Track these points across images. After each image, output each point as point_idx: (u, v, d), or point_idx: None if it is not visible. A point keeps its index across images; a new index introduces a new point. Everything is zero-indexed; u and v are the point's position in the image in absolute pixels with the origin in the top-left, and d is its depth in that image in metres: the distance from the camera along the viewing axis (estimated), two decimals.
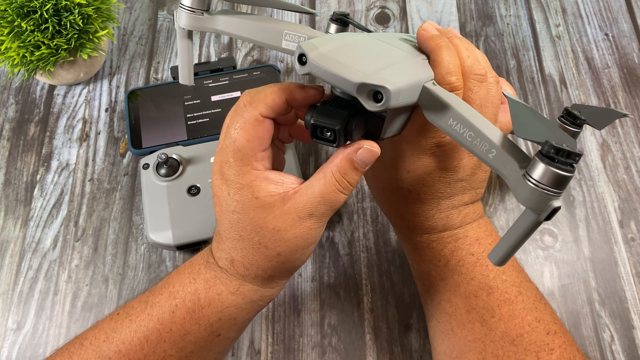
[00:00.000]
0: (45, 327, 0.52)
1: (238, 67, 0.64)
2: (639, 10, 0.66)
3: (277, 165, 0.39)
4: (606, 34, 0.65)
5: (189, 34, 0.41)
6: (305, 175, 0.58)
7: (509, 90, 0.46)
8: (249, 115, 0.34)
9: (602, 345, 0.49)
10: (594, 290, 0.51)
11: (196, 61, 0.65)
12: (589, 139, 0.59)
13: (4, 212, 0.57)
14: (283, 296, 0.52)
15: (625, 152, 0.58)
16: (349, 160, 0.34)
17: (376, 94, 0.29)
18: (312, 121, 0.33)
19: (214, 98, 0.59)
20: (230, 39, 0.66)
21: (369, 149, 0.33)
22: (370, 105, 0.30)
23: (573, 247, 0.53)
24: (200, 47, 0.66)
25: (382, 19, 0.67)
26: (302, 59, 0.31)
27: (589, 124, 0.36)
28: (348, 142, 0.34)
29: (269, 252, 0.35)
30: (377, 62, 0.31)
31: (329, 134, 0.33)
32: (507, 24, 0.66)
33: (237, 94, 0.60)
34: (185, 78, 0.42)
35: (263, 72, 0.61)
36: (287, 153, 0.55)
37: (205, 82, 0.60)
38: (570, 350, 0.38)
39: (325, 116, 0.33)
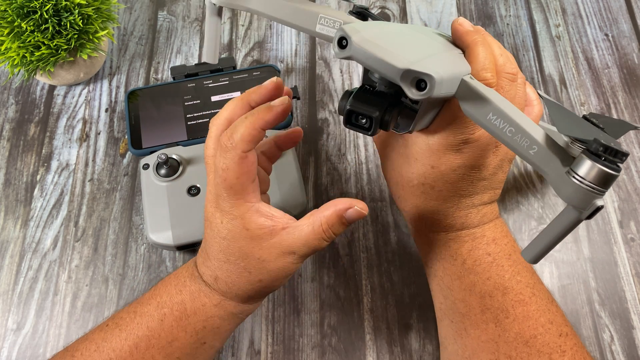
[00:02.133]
0: (45, 328, 0.52)
1: (238, 67, 0.64)
2: (639, 10, 0.66)
3: (263, 186, 0.42)
4: (606, 34, 0.65)
5: (219, 11, 0.40)
6: (305, 177, 0.58)
7: (533, 94, 0.46)
8: (232, 154, 0.36)
9: (602, 345, 0.49)
10: (594, 291, 0.51)
11: (196, 61, 0.65)
12: None
13: (4, 212, 0.57)
14: (283, 296, 0.52)
15: None
16: (339, 217, 0.37)
17: (419, 82, 0.29)
18: (348, 106, 0.33)
19: (214, 98, 0.59)
20: (230, 39, 0.66)
21: (359, 210, 0.37)
22: (413, 93, 0.29)
23: (573, 247, 0.53)
24: (200, 47, 0.66)
25: (382, 19, 0.67)
26: (342, 42, 0.31)
27: (606, 133, 0.36)
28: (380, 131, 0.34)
29: (251, 277, 0.38)
30: (420, 51, 0.31)
31: (364, 121, 0.33)
32: (507, 24, 0.66)
33: (237, 94, 0.60)
34: (211, 56, 0.42)
35: (263, 72, 0.61)
36: (287, 154, 0.55)
37: (205, 82, 0.60)
38: (581, 353, 0.38)
39: (363, 103, 0.33)
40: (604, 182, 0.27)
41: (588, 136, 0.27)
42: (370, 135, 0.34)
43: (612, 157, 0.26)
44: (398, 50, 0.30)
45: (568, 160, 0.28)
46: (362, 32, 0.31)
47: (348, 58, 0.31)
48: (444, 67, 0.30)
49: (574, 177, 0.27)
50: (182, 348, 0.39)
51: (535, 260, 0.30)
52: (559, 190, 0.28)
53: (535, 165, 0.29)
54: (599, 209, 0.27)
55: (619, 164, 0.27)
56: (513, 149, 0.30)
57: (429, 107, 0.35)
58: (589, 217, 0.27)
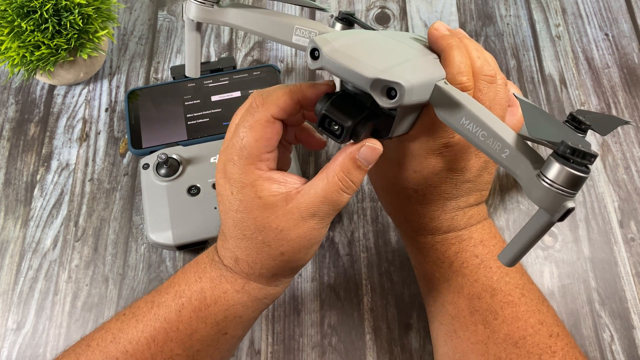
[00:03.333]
0: (45, 327, 0.52)
1: (238, 67, 0.64)
2: (639, 10, 0.66)
3: (283, 165, 0.40)
4: (606, 34, 0.65)
5: (198, 26, 0.41)
6: (305, 176, 0.58)
7: (517, 93, 0.46)
8: (260, 115, 0.34)
9: (602, 345, 0.49)
10: (594, 290, 0.51)
11: None
12: (589, 139, 0.59)
13: (4, 212, 0.57)
14: (283, 296, 0.52)
15: (625, 152, 0.58)
16: (352, 159, 0.33)
17: (390, 90, 0.29)
18: (323, 111, 0.33)
19: (214, 98, 0.59)
20: (230, 39, 0.66)
21: (372, 146, 0.33)
22: (384, 102, 0.29)
23: (573, 247, 0.53)
24: (200, 47, 0.66)
25: (382, 19, 0.67)
26: (314, 53, 0.31)
27: (593, 130, 0.36)
28: (351, 142, 0.34)
29: (272, 252, 0.35)
30: (391, 59, 0.31)
31: (336, 127, 0.33)
32: (507, 24, 0.66)
33: (237, 94, 0.60)
34: (192, 70, 0.42)
35: (263, 72, 0.61)
36: None
37: (205, 82, 0.60)
38: (573, 353, 0.38)
39: (338, 110, 0.33)
40: (573, 184, 0.27)
41: (557, 138, 0.27)
42: (340, 142, 0.33)
43: (581, 159, 0.26)
44: (368, 59, 0.30)
45: (539, 163, 0.28)
46: (332, 43, 0.31)
47: (320, 69, 0.31)
48: (415, 74, 0.30)
49: (543, 180, 0.27)
50: (202, 340, 0.37)
51: (512, 263, 0.30)
52: (529, 194, 0.28)
53: (508, 168, 0.29)
54: (570, 211, 0.27)
55: (588, 166, 0.27)
56: (486, 153, 0.30)
57: (406, 113, 0.35)
58: (561, 219, 0.27)
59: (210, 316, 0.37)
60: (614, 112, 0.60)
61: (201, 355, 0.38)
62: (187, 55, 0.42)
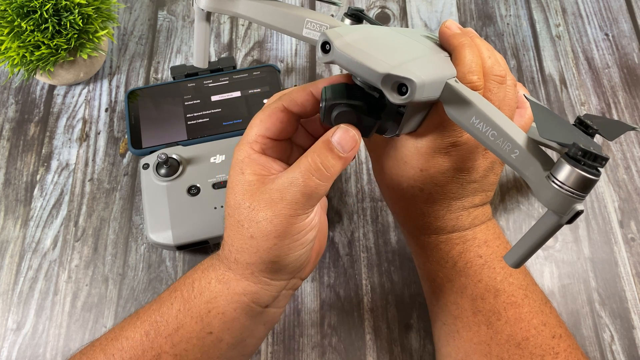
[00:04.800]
0: (45, 327, 0.52)
1: (238, 67, 0.64)
2: (639, 10, 0.66)
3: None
4: (606, 34, 0.65)
5: (208, 16, 0.41)
6: None
7: (527, 94, 0.46)
8: (274, 105, 0.35)
9: (602, 345, 0.49)
10: (594, 290, 0.51)
11: None
12: None
13: (4, 212, 0.57)
14: None
15: (625, 152, 0.58)
16: (324, 142, 0.33)
17: (401, 86, 0.29)
18: (323, 94, 0.34)
19: (214, 98, 0.59)
20: (230, 39, 0.66)
21: (345, 128, 0.33)
22: (394, 98, 0.29)
23: (573, 247, 0.53)
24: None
25: (382, 19, 0.67)
26: (325, 47, 0.31)
27: (600, 134, 0.36)
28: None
29: (244, 231, 0.34)
30: (402, 55, 0.31)
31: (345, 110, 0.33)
32: (507, 24, 0.66)
33: (237, 93, 0.60)
34: (200, 60, 0.43)
35: (263, 72, 0.61)
36: None
37: (205, 82, 0.60)
38: (575, 354, 0.38)
39: (333, 92, 0.33)
40: (584, 186, 0.26)
41: (569, 140, 0.27)
42: (322, 122, 0.34)
43: (592, 161, 0.26)
44: (380, 54, 0.30)
45: (549, 164, 0.28)
46: (344, 37, 0.31)
47: (331, 62, 0.31)
48: (426, 71, 0.30)
49: (553, 181, 0.27)
50: (188, 338, 0.36)
51: (518, 264, 0.30)
52: (539, 195, 0.28)
53: (517, 169, 0.29)
54: (579, 213, 0.27)
55: (599, 168, 0.27)
56: (495, 153, 0.30)
57: (415, 111, 0.34)
58: (569, 221, 0.27)
59: (195, 308, 0.36)
60: (614, 112, 0.60)
61: (189, 356, 0.36)
62: (195, 44, 0.42)
